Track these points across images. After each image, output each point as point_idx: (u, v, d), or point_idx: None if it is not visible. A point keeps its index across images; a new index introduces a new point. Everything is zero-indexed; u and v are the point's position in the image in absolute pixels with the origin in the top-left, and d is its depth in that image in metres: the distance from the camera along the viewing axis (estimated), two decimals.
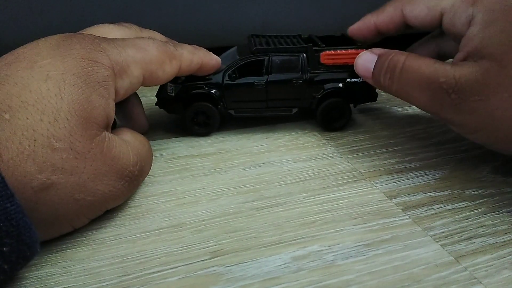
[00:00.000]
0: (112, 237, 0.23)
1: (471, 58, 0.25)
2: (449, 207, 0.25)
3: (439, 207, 0.25)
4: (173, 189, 0.27)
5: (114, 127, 0.26)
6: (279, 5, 0.48)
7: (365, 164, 0.30)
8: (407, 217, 0.24)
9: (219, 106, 0.33)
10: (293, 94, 0.34)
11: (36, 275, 0.20)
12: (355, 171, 0.29)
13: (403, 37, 0.36)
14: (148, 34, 0.32)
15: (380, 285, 0.20)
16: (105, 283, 0.20)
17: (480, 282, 0.20)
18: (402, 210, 0.25)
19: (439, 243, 0.22)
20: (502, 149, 0.26)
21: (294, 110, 0.34)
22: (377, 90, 0.35)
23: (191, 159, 0.31)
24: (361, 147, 0.33)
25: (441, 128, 0.36)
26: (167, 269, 0.21)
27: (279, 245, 0.22)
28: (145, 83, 0.27)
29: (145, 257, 0.22)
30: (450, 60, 0.29)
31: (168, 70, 0.27)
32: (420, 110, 0.39)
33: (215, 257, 0.21)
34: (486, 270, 0.21)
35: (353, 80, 0.34)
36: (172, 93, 0.33)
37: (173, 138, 0.34)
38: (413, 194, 0.27)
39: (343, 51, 0.33)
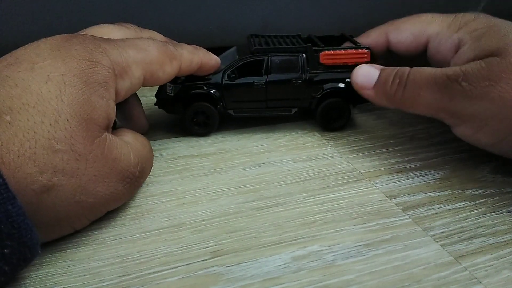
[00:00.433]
0: (112, 237, 0.23)
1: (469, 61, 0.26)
2: (449, 207, 0.25)
3: (439, 207, 0.25)
4: (173, 189, 0.27)
5: (114, 128, 0.26)
6: (279, 5, 0.48)
7: (365, 164, 0.30)
8: (407, 217, 0.25)
9: (218, 106, 0.33)
10: (293, 94, 0.34)
11: (36, 275, 0.20)
12: (355, 171, 0.29)
13: None
14: (148, 34, 0.32)
15: (380, 285, 0.20)
16: (105, 283, 0.20)
17: (480, 282, 0.20)
18: (402, 210, 0.25)
19: (439, 243, 0.22)
20: (507, 146, 0.26)
21: (294, 110, 0.35)
22: None
23: (191, 159, 0.31)
24: (361, 147, 0.33)
25: (441, 128, 0.36)
26: (167, 269, 0.21)
27: (279, 245, 0.22)
28: (146, 83, 0.27)
29: (145, 257, 0.22)
30: None
31: (169, 71, 0.27)
32: None
33: (215, 257, 0.21)
34: (486, 270, 0.21)
35: None
36: (171, 93, 0.33)
37: (173, 138, 0.34)
38: (413, 194, 0.27)
39: (343, 51, 0.33)
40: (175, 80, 0.32)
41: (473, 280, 0.20)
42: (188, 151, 0.32)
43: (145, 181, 0.28)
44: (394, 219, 0.24)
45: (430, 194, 0.27)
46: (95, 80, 0.22)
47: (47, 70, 0.21)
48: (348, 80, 0.34)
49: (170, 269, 0.21)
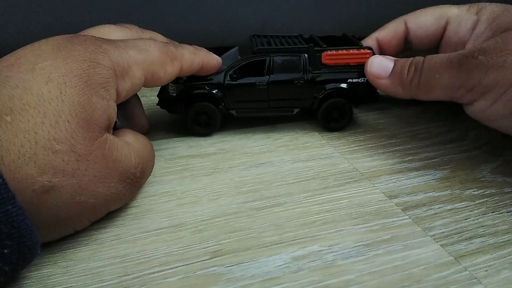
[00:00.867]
0: (112, 237, 0.23)
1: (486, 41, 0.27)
2: (449, 207, 0.25)
3: (439, 207, 0.25)
4: (173, 189, 0.27)
5: (114, 128, 0.26)
6: (279, 5, 0.48)
7: (365, 164, 0.30)
8: (407, 217, 0.24)
9: (220, 106, 0.33)
10: (295, 94, 0.34)
11: (36, 275, 0.20)
12: (355, 171, 0.29)
13: None
14: (149, 35, 0.32)
15: (380, 285, 0.20)
16: (105, 283, 0.20)
17: (480, 282, 0.20)
18: (402, 210, 0.25)
19: (439, 243, 0.22)
20: None
21: (296, 110, 0.34)
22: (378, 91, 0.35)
23: (191, 159, 0.31)
24: (361, 147, 0.33)
25: (441, 128, 0.36)
26: (167, 269, 0.21)
27: (279, 245, 0.22)
28: (147, 84, 0.27)
29: (145, 257, 0.22)
30: None
31: (170, 71, 0.27)
32: (420, 110, 0.39)
33: (215, 257, 0.21)
34: (486, 270, 0.21)
35: (354, 80, 0.34)
36: (173, 93, 0.33)
37: (173, 138, 0.34)
38: (413, 194, 0.27)
39: (345, 51, 0.33)
40: (177, 80, 0.32)
41: (473, 280, 0.20)
42: (188, 151, 0.32)
43: (145, 181, 0.28)
44: (394, 219, 0.24)
45: (430, 194, 0.27)
46: (96, 81, 0.22)
47: (48, 70, 0.21)
48: (350, 80, 0.34)
49: (170, 269, 0.21)
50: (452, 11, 0.33)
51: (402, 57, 0.31)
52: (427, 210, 0.25)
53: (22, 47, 0.22)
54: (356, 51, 0.33)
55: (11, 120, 0.19)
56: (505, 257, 0.21)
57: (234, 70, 0.33)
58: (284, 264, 0.21)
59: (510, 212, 0.25)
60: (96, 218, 0.23)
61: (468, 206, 0.25)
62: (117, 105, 0.24)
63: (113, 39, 0.26)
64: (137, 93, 0.31)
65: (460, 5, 0.33)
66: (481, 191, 0.27)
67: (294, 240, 0.23)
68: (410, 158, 0.31)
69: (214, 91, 0.33)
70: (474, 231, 0.23)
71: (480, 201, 0.26)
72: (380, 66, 0.31)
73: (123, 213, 0.25)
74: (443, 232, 0.23)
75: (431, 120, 0.37)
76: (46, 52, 0.22)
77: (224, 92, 0.33)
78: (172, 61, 0.27)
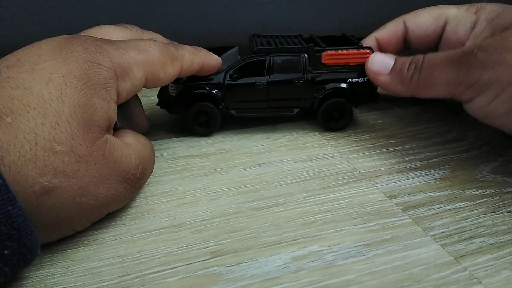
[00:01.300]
0: (112, 237, 0.23)
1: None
2: (449, 207, 0.25)
3: (439, 207, 0.25)
4: (173, 189, 0.27)
5: (114, 128, 0.26)
6: (279, 5, 0.48)
7: (365, 164, 0.30)
8: (407, 217, 0.24)
9: (220, 106, 0.33)
10: (295, 94, 0.34)
11: (36, 275, 0.20)
12: (355, 171, 0.29)
13: None
14: (149, 35, 0.32)
15: (380, 285, 0.20)
16: (105, 283, 0.20)
17: (480, 282, 0.20)
18: (402, 210, 0.25)
19: (439, 243, 0.22)
20: None
21: (296, 110, 0.34)
22: (378, 89, 0.35)
23: (191, 159, 0.31)
24: (361, 147, 0.33)
25: (441, 128, 0.36)
26: (167, 269, 0.21)
27: (279, 245, 0.22)
28: (147, 84, 0.27)
29: (145, 257, 0.22)
30: None
31: (170, 72, 0.27)
32: (420, 110, 0.39)
33: (215, 257, 0.21)
34: (486, 270, 0.21)
35: (354, 80, 0.34)
36: (173, 93, 0.33)
37: (173, 138, 0.34)
38: (413, 194, 0.27)
39: (345, 51, 0.33)
40: (177, 80, 0.32)
41: (473, 280, 0.20)
42: (188, 151, 0.32)
43: (146, 182, 0.28)
44: (394, 219, 0.24)
45: (430, 194, 0.27)
46: (96, 82, 0.22)
47: (48, 71, 0.21)
48: (350, 80, 0.34)
49: (170, 269, 0.21)
50: (451, 11, 0.33)
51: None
52: (427, 210, 0.25)
53: (23, 48, 0.22)
54: (356, 51, 0.33)
55: (11, 121, 0.19)
56: (505, 257, 0.21)
57: (234, 70, 0.33)
58: (284, 264, 0.21)
59: (510, 212, 0.25)
60: (96, 219, 0.23)
61: (468, 206, 0.25)
62: (117, 106, 0.24)
63: (114, 39, 0.26)
64: (137, 93, 0.31)
65: (459, 5, 0.33)
66: (481, 191, 0.27)
67: (294, 240, 0.23)
68: (410, 158, 0.31)
69: (214, 91, 0.33)
70: (474, 231, 0.23)
71: (480, 201, 0.26)
72: (380, 63, 0.31)
73: (123, 213, 0.25)
74: (443, 232, 0.23)
75: (431, 120, 0.37)
76: (46, 53, 0.22)
77: (224, 92, 0.33)
78: (172, 61, 0.27)
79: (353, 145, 0.33)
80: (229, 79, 0.33)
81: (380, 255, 0.22)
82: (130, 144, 0.24)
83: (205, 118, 0.34)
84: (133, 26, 0.31)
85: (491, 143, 0.33)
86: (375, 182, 0.28)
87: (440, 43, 0.34)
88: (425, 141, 0.33)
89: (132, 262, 0.21)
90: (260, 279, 0.20)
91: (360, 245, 0.22)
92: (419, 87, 0.29)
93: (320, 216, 0.25)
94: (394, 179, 0.28)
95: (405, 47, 0.37)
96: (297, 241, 0.23)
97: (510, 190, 0.27)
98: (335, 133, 0.35)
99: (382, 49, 0.37)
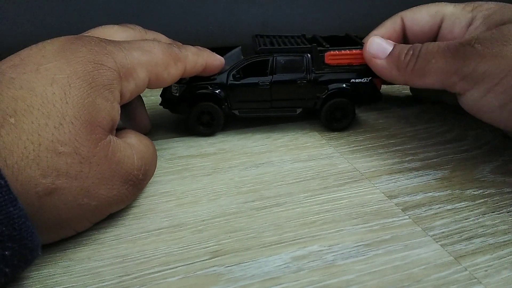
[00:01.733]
0: (112, 237, 0.23)
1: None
2: (449, 207, 0.25)
3: (439, 207, 0.25)
4: (173, 189, 0.27)
5: (116, 128, 0.26)
6: (280, 5, 0.48)
7: (365, 164, 0.30)
8: (407, 217, 0.24)
9: (223, 106, 0.33)
10: (298, 94, 0.34)
11: (36, 275, 0.20)
12: (355, 171, 0.29)
13: None
14: (153, 36, 0.32)
15: (380, 285, 0.20)
16: (105, 283, 0.20)
17: (480, 282, 0.20)
18: (402, 210, 0.25)
19: (439, 243, 0.22)
20: None
21: (299, 110, 0.34)
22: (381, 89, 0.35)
23: (191, 159, 0.31)
24: (361, 147, 0.33)
25: (442, 128, 0.36)
26: (167, 269, 0.21)
27: (279, 245, 0.22)
28: (151, 85, 0.27)
29: (145, 257, 0.22)
30: None
31: (173, 72, 0.27)
32: (420, 110, 0.39)
33: (215, 257, 0.21)
34: (486, 270, 0.21)
35: (357, 80, 0.34)
36: (176, 93, 0.33)
37: (174, 138, 0.34)
38: (413, 194, 0.27)
39: (348, 51, 0.33)
40: (180, 80, 0.32)
41: (473, 280, 0.20)
42: (188, 151, 0.32)
43: (147, 183, 0.28)
44: (394, 219, 0.24)
45: (430, 194, 0.27)
46: (100, 83, 0.22)
47: (52, 72, 0.21)
48: (353, 80, 0.34)
49: (170, 269, 0.21)
50: (447, 9, 0.33)
51: None
52: (427, 210, 0.25)
53: (26, 48, 0.22)
54: (359, 51, 0.33)
55: (15, 122, 0.19)
56: (505, 257, 0.21)
57: (237, 70, 0.33)
58: (284, 264, 0.21)
59: (510, 212, 0.25)
60: (98, 220, 0.23)
61: (468, 206, 0.25)
62: (120, 106, 0.24)
63: (117, 40, 0.25)
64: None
65: (456, 4, 0.33)
66: (481, 191, 0.27)
67: (294, 240, 0.23)
68: (410, 158, 0.31)
69: (217, 91, 0.33)
70: (474, 231, 0.23)
71: (480, 201, 0.26)
72: (379, 46, 0.31)
73: (123, 213, 0.25)
74: (443, 232, 0.23)
75: (431, 120, 0.37)
76: (50, 53, 0.22)
77: (227, 92, 0.33)
78: (175, 62, 0.27)
79: (353, 145, 0.33)
80: (232, 79, 0.33)
81: (380, 255, 0.22)
82: (133, 145, 0.24)
83: (208, 118, 0.34)
84: (136, 26, 0.31)
85: (491, 143, 0.33)
86: (375, 182, 0.28)
87: (436, 41, 0.34)
88: (425, 141, 0.33)
89: (132, 262, 0.21)
90: (260, 279, 0.20)
91: (360, 245, 0.22)
92: (414, 74, 0.29)
93: (320, 216, 0.25)
94: (394, 179, 0.28)
95: (405, 43, 0.37)
96: (297, 241, 0.23)
97: (510, 190, 0.27)
98: (335, 133, 0.35)
99: None
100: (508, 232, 0.23)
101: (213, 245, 0.22)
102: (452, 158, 0.31)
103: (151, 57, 0.26)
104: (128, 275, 0.20)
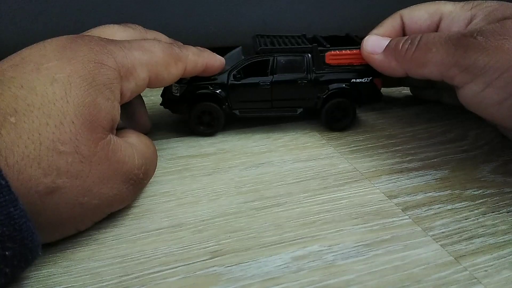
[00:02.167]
0: (112, 237, 0.23)
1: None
2: (449, 207, 0.25)
3: (439, 207, 0.25)
4: (173, 189, 0.27)
5: (117, 128, 0.26)
6: (280, 5, 0.48)
7: (365, 164, 0.30)
8: (407, 217, 0.24)
9: (224, 106, 0.33)
10: (298, 94, 0.34)
11: (36, 275, 0.20)
12: (355, 171, 0.29)
13: None
14: (153, 35, 0.32)
15: (380, 285, 0.20)
16: (105, 283, 0.20)
17: (480, 282, 0.20)
18: (402, 210, 0.25)
19: (439, 243, 0.22)
20: None
21: (299, 110, 0.34)
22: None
23: (191, 159, 0.31)
24: (361, 147, 0.33)
25: (442, 128, 0.36)
26: (167, 269, 0.21)
27: (279, 245, 0.22)
28: (151, 85, 0.27)
29: (145, 257, 0.22)
30: None
31: (174, 72, 0.27)
32: (420, 110, 0.39)
33: (215, 257, 0.21)
34: (486, 270, 0.21)
35: (358, 80, 0.34)
36: (177, 93, 0.33)
37: (174, 138, 0.34)
38: (413, 194, 0.27)
39: (348, 51, 0.33)
40: (181, 80, 0.32)
41: (473, 280, 0.20)
42: (188, 151, 0.32)
43: (148, 182, 0.28)
44: (394, 219, 0.24)
45: (430, 194, 0.27)
46: (101, 82, 0.22)
47: (53, 71, 0.21)
48: (354, 80, 0.34)
49: (170, 269, 0.21)
50: (446, 8, 0.33)
51: None
52: (427, 210, 0.25)
53: (27, 47, 0.22)
54: (359, 51, 0.33)
55: (16, 121, 0.19)
56: (505, 257, 0.21)
57: (238, 70, 0.33)
58: (284, 264, 0.21)
59: (510, 212, 0.25)
60: (99, 219, 0.23)
61: (468, 206, 0.25)
62: (120, 105, 0.24)
63: (118, 39, 0.25)
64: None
65: (455, 2, 0.33)
66: (481, 191, 0.27)
67: (294, 240, 0.23)
68: (410, 158, 0.31)
69: (217, 91, 0.33)
70: (474, 231, 0.23)
71: (480, 201, 0.26)
72: (375, 43, 0.31)
73: (123, 213, 0.25)
74: (443, 232, 0.23)
75: (431, 120, 0.37)
76: (51, 52, 0.22)
77: (227, 92, 0.33)
78: (176, 62, 0.27)
79: (353, 145, 0.33)
80: (232, 79, 0.33)
81: (380, 255, 0.22)
82: (133, 144, 0.24)
83: (208, 118, 0.34)
84: (137, 26, 0.31)
85: (491, 143, 0.33)
86: (375, 182, 0.28)
87: None
88: (425, 141, 0.33)
89: (132, 262, 0.21)
90: (260, 279, 0.20)
91: (360, 245, 0.22)
92: (412, 62, 0.29)
93: (320, 216, 0.25)
94: (394, 179, 0.28)
95: None
96: (297, 241, 0.23)
97: (510, 190, 0.27)
98: (335, 133, 0.35)
99: None
100: (508, 232, 0.23)
101: (213, 245, 0.22)
102: (452, 158, 0.31)
103: (151, 57, 0.26)
104: (128, 275, 0.20)
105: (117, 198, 0.22)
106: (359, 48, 0.33)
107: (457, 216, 0.25)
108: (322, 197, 0.26)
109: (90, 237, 0.23)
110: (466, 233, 0.23)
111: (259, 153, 0.32)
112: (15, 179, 0.18)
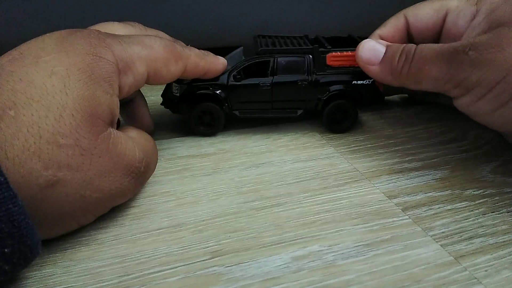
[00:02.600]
0: (112, 237, 0.23)
1: (481, 35, 0.27)
2: (449, 207, 0.25)
3: (439, 207, 0.25)
4: (173, 189, 0.27)
5: (118, 127, 0.26)
6: (281, 5, 0.48)
7: (365, 164, 0.30)
8: (407, 217, 0.24)
9: (224, 107, 0.33)
10: (299, 95, 0.34)
11: (36, 275, 0.20)
12: (355, 171, 0.29)
13: None
14: (153, 33, 0.31)
15: (380, 285, 0.20)
16: (105, 283, 0.20)
17: (480, 282, 0.20)
18: (402, 210, 0.25)
19: (439, 243, 0.22)
20: (508, 113, 0.26)
21: (300, 112, 0.34)
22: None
23: (191, 159, 0.31)
24: (361, 147, 0.33)
25: (442, 128, 0.36)
26: (167, 269, 0.21)
27: (279, 245, 0.22)
28: (149, 81, 0.26)
29: (145, 257, 0.22)
30: None
31: (173, 70, 0.27)
32: (420, 110, 0.39)
33: (215, 257, 0.21)
34: (486, 270, 0.21)
35: (359, 82, 0.34)
36: (177, 93, 0.33)
37: (174, 138, 0.34)
38: (413, 194, 0.27)
39: (350, 53, 0.33)
40: (181, 80, 0.32)
41: (473, 280, 0.20)
42: (188, 151, 0.32)
43: (149, 176, 0.28)
44: (394, 219, 0.24)
45: (430, 194, 0.27)
46: (100, 75, 0.22)
47: (51, 64, 0.21)
48: (355, 82, 0.34)
49: (170, 269, 0.21)
50: (451, 3, 0.32)
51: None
52: (427, 210, 0.25)
53: (25, 42, 0.22)
54: None
55: (15, 114, 0.19)
56: (505, 257, 0.21)
57: (238, 70, 0.33)
58: (284, 264, 0.21)
59: (510, 212, 0.25)
60: (101, 213, 0.23)
61: (468, 206, 0.25)
62: (122, 105, 0.24)
63: (117, 34, 0.25)
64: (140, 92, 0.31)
65: None
66: (481, 191, 0.27)
67: (294, 240, 0.23)
68: (410, 158, 0.31)
69: (218, 92, 0.33)
70: (474, 231, 0.23)
71: (480, 201, 0.26)
72: (370, 51, 0.31)
73: (123, 213, 0.25)
74: (443, 232, 0.23)
75: (431, 120, 0.37)
76: (49, 46, 0.22)
77: (227, 93, 0.33)
78: (176, 60, 0.27)
79: (353, 145, 0.33)
80: (232, 79, 0.33)
81: (380, 255, 0.22)
82: (134, 138, 0.24)
83: (209, 118, 0.34)
84: (137, 24, 0.31)
85: (491, 143, 0.33)
86: (375, 182, 0.28)
87: (441, 36, 0.34)
88: (425, 141, 0.33)
89: (132, 262, 0.21)
90: (260, 279, 0.20)
91: (360, 245, 0.22)
92: (408, 79, 0.29)
93: (320, 216, 0.25)
94: (394, 179, 0.28)
95: (409, 41, 0.36)
96: (297, 241, 0.23)
97: (510, 190, 0.27)
98: (335, 133, 0.35)
99: None
100: (508, 232, 0.23)
101: (213, 245, 0.22)
102: (452, 158, 0.31)
103: (151, 52, 0.26)
104: (128, 275, 0.20)
105: (118, 192, 0.22)
106: None
107: (457, 216, 0.25)
108: (322, 197, 0.26)
109: (90, 237, 0.23)
110: (466, 233, 0.23)
111: (259, 153, 0.32)
112: (15, 172, 0.18)
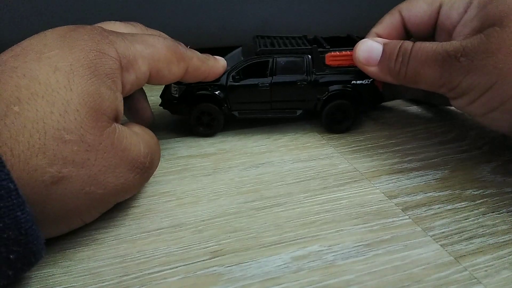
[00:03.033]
0: (112, 237, 0.23)
1: (473, 33, 0.27)
2: (449, 207, 0.25)
3: (439, 207, 0.25)
4: (173, 189, 0.27)
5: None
6: (280, 5, 0.48)
7: (365, 164, 0.30)
8: (407, 217, 0.24)
9: (223, 107, 0.33)
10: (298, 95, 0.34)
11: (36, 275, 0.20)
12: (355, 171, 0.29)
13: None
14: (155, 34, 0.31)
15: (380, 285, 0.20)
16: (105, 283, 0.20)
17: (480, 282, 0.20)
18: (402, 210, 0.25)
19: (439, 243, 0.22)
20: (499, 116, 0.27)
21: (299, 112, 0.34)
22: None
23: (191, 159, 0.31)
24: (361, 147, 0.33)
25: (442, 128, 0.36)
26: (167, 269, 0.21)
27: (279, 245, 0.22)
28: (151, 80, 0.26)
29: (145, 257, 0.22)
30: None
31: (175, 71, 0.27)
32: (420, 110, 0.39)
33: (215, 257, 0.21)
34: (486, 270, 0.21)
35: (358, 82, 0.34)
36: (176, 94, 0.33)
37: (173, 139, 0.34)
38: (413, 194, 0.27)
39: (349, 53, 0.33)
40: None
41: (473, 280, 0.20)
42: (188, 151, 0.32)
43: (153, 172, 0.27)
44: (394, 219, 0.24)
45: (430, 194, 0.27)
46: (103, 71, 0.22)
47: (55, 60, 0.21)
48: (354, 81, 0.34)
49: (170, 269, 0.21)
50: None
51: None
52: (427, 210, 0.25)
53: (28, 38, 0.22)
54: None
55: (19, 110, 0.19)
56: (505, 257, 0.21)
57: (237, 71, 0.33)
58: (284, 264, 0.21)
59: (510, 212, 0.25)
60: (105, 209, 0.23)
61: (468, 206, 0.25)
62: (123, 100, 0.24)
63: (121, 32, 0.25)
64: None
65: None
66: (481, 191, 0.27)
67: (294, 240, 0.23)
68: (410, 158, 0.31)
69: (216, 92, 0.33)
70: (474, 231, 0.23)
71: (480, 201, 0.26)
72: (368, 52, 0.31)
73: (123, 213, 0.25)
74: (443, 232, 0.23)
75: (431, 120, 0.37)
76: (52, 42, 0.21)
77: (226, 93, 0.33)
78: (178, 61, 0.27)
79: (353, 145, 0.33)
80: (231, 80, 0.33)
81: (380, 255, 0.22)
82: (138, 133, 0.24)
83: (208, 119, 0.34)
84: (138, 24, 0.31)
85: (491, 143, 0.33)
86: (375, 182, 0.28)
87: (436, 29, 0.34)
88: (425, 141, 0.33)
89: (132, 262, 0.21)
90: (260, 279, 0.20)
91: (360, 245, 0.22)
92: (406, 80, 0.29)
93: (320, 216, 0.25)
94: (394, 179, 0.28)
95: (407, 36, 0.36)
96: (297, 241, 0.23)
97: (510, 190, 0.27)
98: (335, 133, 0.35)
99: None
100: (508, 232, 0.23)
101: (213, 245, 0.22)
102: (452, 158, 0.31)
103: (154, 51, 0.26)
104: (128, 275, 0.20)
105: (123, 187, 0.22)
106: None
107: (457, 216, 0.25)
108: (322, 197, 0.26)
109: (90, 237, 0.23)
110: (466, 233, 0.23)
111: (259, 153, 0.32)
112: (21, 169, 0.18)
